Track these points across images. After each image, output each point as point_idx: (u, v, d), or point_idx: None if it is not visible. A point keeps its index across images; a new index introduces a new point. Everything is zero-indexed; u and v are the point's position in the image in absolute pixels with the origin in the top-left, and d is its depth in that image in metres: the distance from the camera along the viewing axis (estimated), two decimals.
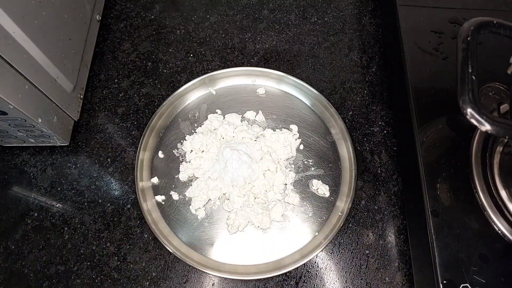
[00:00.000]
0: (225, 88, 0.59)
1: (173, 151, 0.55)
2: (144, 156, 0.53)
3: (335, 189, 0.52)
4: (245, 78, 0.59)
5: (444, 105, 0.50)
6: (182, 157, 0.54)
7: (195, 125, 0.56)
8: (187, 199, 0.52)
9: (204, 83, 0.58)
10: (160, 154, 0.54)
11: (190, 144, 0.54)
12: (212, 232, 0.50)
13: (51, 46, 0.46)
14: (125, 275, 0.48)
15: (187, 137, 0.55)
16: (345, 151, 0.54)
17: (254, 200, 0.51)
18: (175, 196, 0.52)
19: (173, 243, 0.49)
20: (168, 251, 0.49)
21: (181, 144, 0.55)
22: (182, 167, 0.53)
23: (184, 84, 0.57)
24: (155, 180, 0.53)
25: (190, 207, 0.51)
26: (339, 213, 0.50)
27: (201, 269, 0.47)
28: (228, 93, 0.59)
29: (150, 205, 0.51)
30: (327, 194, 0.52)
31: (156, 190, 0.52)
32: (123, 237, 0.50)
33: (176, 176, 0.53)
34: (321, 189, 0.52)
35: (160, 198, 0.52)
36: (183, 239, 0.50)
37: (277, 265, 0.48)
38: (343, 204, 0.50)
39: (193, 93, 0.58)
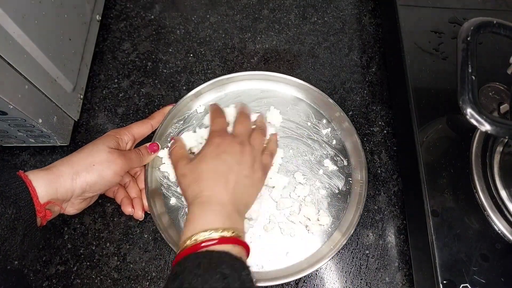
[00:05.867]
0: (269, 92, 0.57)
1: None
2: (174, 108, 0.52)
3: (334, 222, 0.50)
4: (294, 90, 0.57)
5: (444, 105, 0.50)
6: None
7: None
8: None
9: (262, 78, 0.56)
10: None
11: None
12: None
13: (51, 46, 0.46)
14: (125, 275, 0.48)
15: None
16: (357, 192, 0.50)
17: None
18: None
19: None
20: (169, 250, 0.49)
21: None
22: None
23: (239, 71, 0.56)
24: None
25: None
26: (331, 246, 0.47)
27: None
28: (269, 95, 0.57)
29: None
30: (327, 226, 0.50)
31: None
32: (123, 237, 0.50)
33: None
34: (323, 219, 0.49)
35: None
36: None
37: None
38: (339, 237, 0.47)
39: (246, 82, 0.57)
